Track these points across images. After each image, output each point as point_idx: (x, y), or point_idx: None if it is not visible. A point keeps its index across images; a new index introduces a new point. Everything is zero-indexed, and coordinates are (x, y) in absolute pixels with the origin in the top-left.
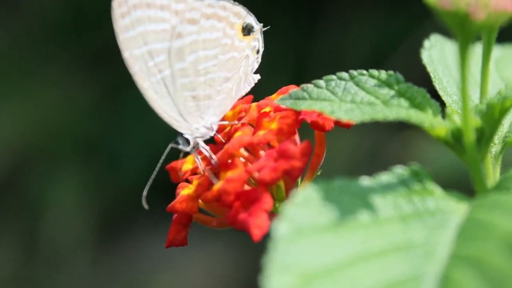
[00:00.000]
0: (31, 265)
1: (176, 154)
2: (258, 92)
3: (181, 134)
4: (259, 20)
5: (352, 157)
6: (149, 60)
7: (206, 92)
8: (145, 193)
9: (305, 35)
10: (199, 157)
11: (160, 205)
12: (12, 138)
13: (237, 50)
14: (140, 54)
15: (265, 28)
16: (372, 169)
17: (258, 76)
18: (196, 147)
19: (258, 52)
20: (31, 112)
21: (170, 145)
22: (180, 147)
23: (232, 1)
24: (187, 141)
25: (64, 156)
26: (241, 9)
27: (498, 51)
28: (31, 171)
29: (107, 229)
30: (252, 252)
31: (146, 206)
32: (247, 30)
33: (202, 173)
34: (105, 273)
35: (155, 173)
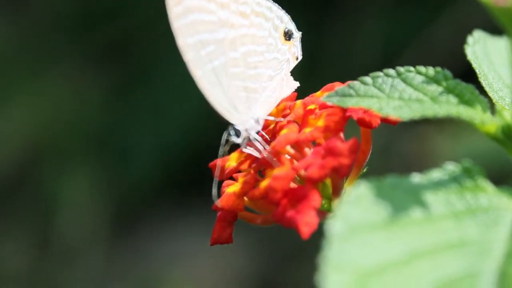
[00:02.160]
0: (44, 261)
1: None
2: None
3: (232, 125)
4: None
5: None
6: (201, 49)
7: (255, 85)
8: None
9: (315, 30)
10: (250, 149)
11: (172, 200)
12: (23, 135)
13: (280, 52)
14: (193, 42)
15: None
16: (386, 164)
17: (297, 83)
18: (246, 139)
19: (297, 59)
20: (43, 108)
21: (224, 135)
22: (232, 138)
23: (278, 5)
24: (238, 133)
25: (76, 152)
26: (284, 14)
27: None
28: (43, 167)
29: (120, 224)
30: (266, 247)
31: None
32: (288, 35)
33: (261, 155)
34: (118, 268)
35: (218, 165)
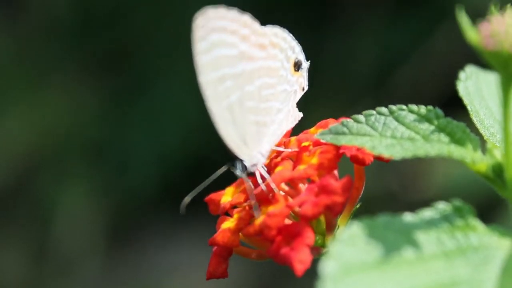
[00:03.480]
0: (41, 270)
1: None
2: None
3: (239, 160)
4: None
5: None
6: (219, 84)
7: (265, 118)
8: (186, 199)
9: (311, 42)
10: (250, 183)
11: (170, 210)
12: (21, 144)
13: (289, 84)
14: (214, 78)
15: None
16: (381, 181)
17: (301, 114)
18: (249, 174)
19: (303, 89)
20: (40, 117)
21: (226, 166)
22: (237, 172)
23: (292, 35)
24: (245, 167)
25: (73, 162)
26: (296, 44)
27: None
28: (40, 176)
29: (117, 234)
30: (262, 261)
31: (183, 211)
32: (297, 66)
33: (250, 199)
34: (115, 278)
35: (202, 185)
